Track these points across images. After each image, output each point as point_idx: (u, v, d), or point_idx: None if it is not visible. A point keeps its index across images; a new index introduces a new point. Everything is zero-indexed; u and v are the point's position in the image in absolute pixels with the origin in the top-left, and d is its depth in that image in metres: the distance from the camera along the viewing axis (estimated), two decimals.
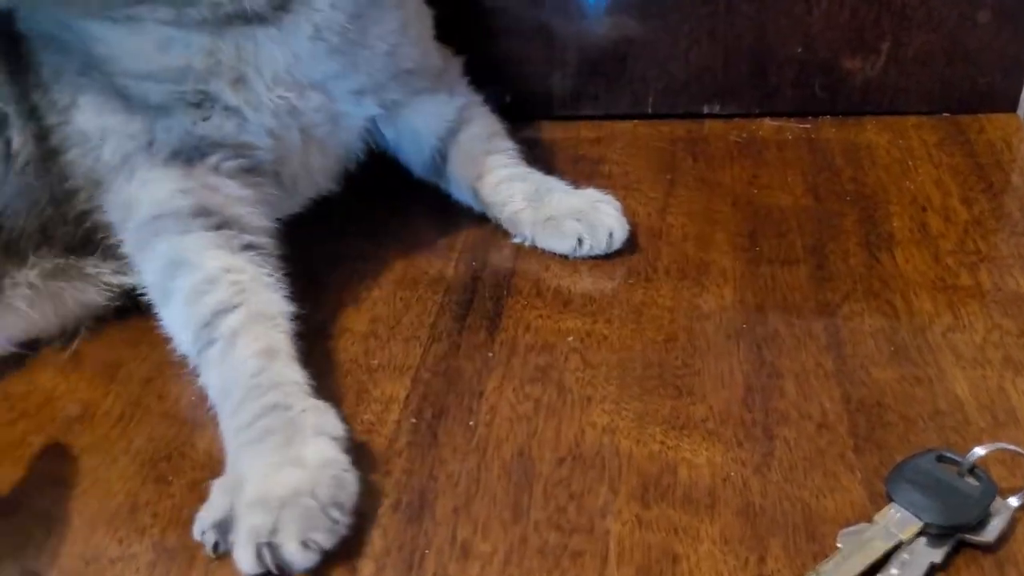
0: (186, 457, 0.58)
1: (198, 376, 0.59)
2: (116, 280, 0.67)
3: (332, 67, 0.67)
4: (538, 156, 0.83)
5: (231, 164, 0.65)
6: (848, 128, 0.90)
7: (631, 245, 0.74)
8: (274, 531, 0.48)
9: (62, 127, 0.65)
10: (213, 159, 0.65)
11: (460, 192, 0.79)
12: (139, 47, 0.62)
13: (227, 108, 0.64)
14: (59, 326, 0.67)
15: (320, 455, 0.51)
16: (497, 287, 0.72)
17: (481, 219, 0.78)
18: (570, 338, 0.66)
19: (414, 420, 0.60)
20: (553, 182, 0.76)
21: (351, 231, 0.78)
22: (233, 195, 0.64)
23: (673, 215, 0.79)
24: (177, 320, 0.61)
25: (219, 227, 0.62)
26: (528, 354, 0.65)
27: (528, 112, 0.92)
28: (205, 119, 0.64)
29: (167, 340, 0.64)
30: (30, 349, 0.67)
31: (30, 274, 0.65)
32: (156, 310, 0.63)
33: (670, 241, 0.76)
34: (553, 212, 0.73)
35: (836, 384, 0.60)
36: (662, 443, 0.57)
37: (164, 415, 0.61)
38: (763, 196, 0.81)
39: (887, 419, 0.58)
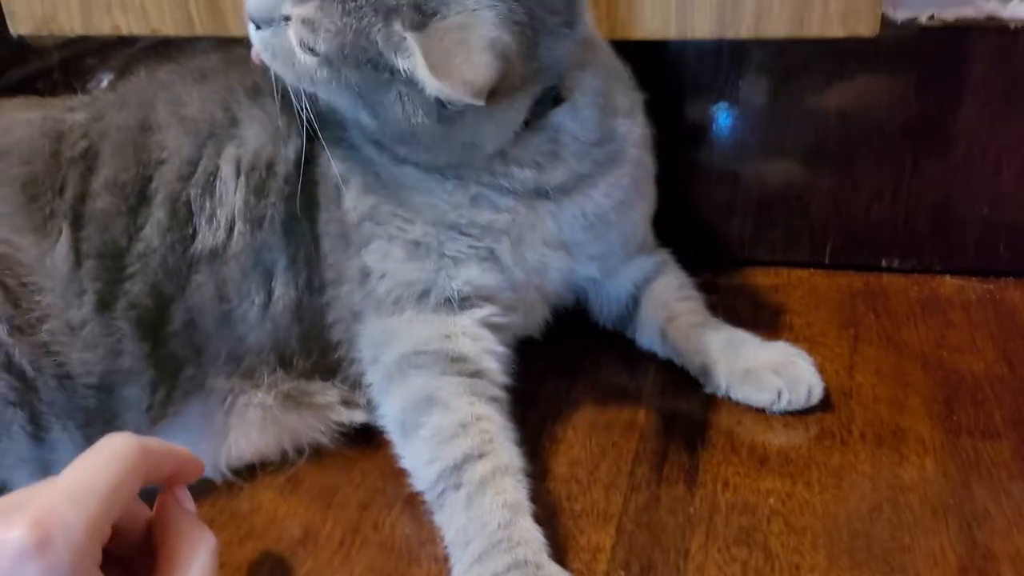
0: None
1: (433, 513, 0.62)
2: (344, 418, 0.71)
3: (584, 237, 0.73)
4: (717, 302, 0.84)
5: (494, 318, 0.70)
6: None
7: (822, 403, 0.75)
8: None
9: (339, 265, 0.70)
10: (480, 312, 0.69)
11: (647, 337, 0.82)
12: (457, 200, 0.68)
13: (501, 264, 0.70)
14: (280, 452, 0.71)
15: None
16: (691, 438, 0.73)
17: (666, 365, 0.80)
18: (771, 499, 0.67)
19: (623, 574, 0.61)
20: (744, 334, 0.78)
21: (547, 372, 0.80)
22: (488, 347, 0.69)
23: (861, 374, 0.79)
24: (421, 456, 0.63)
25: (473, 375, 0.66)
26: (730, 513, 0.66)
27: (703, 255, 0.94)
28: (485, 271, 0.69)
29: (379, 468, 0.68)
30: (248, 471, 0.71)
31: (266, 397, 0.69)
32: (395, 441, 0.67)
33: (862, 402, 0.76)
34: (751, 365, 0.75)
35: None
36: None
37: (381, 545, 0.64)
38: (953, 360, 0.80)
39: None
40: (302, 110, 0.64)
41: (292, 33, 0.59)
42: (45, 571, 0.41)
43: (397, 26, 0.56)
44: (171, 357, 0.68)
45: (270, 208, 0.70)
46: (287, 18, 0.59)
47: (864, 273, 0.94)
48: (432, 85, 0.55)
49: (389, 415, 0.67)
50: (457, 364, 0.66)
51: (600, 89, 0.68)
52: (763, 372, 0.74)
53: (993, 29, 0.84)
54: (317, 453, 0.72)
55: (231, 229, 0.69)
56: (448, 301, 0.68)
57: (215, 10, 0.86)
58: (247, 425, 0.69)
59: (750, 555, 0.62)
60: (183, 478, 0.54)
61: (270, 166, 0.70)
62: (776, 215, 0.95)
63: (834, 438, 0.72)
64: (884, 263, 0.95)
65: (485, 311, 0.70)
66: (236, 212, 0.69)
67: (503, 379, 0.69)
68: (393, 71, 0.58)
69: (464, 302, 0.69)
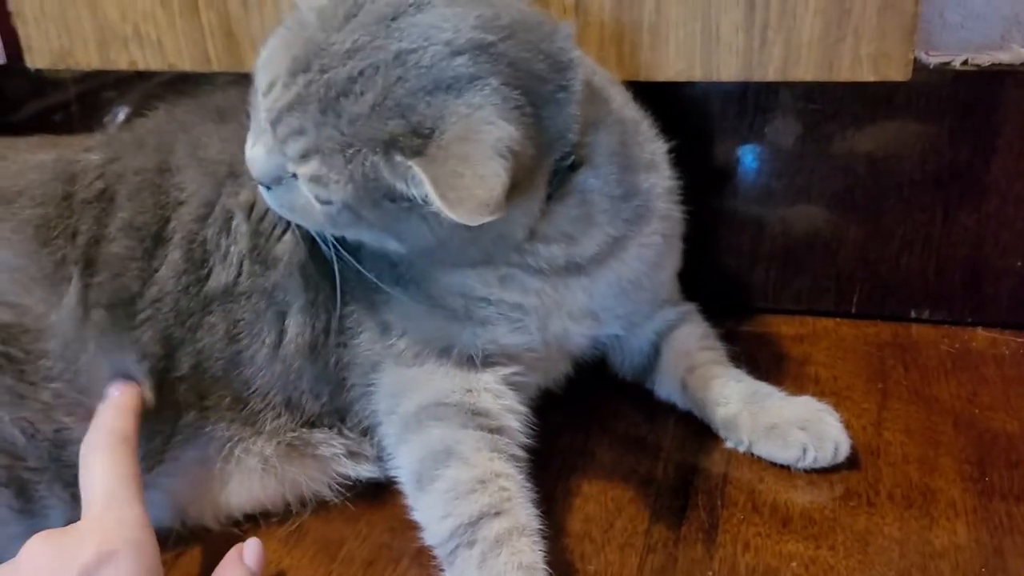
0: None
1: (443, 570, 0.59)
2: (350, 472, 0.69)
3: (614, 303, 0.71)
4: (740, 352, 0.82)
5: (517, 377, 0.68)
6: None
7: (849, 461, 0.72)
8: None
9: (359, 315, 0.68)
10: (503, 370, 0.67)
11: (667, 388, 0.79)
12: (487, 279, 0.66)
13: (528, 328, 0.68)
14: (283, 504, 0.69)
15: None
16: (710, 495, 0.70)
17: (686, 418, 0.78)
18: (793, 563, 0.64)
19: None
20: (768, 387, 0.75)
21: (563, 424, 0.78)
22: (510, 406, 0.67)
23: (890, 431, 0.76)
24: (435, 510, 0.61)
25: (494, 431, 0.64)
26: None
27: (727, 303, 0.92)
28: (511, 333, 0.68)
29: (386, 522, 0.66)
30: (250, 520, 0.69)
31: (266, 447, 0.67)
32: (408, 494, 0.64)
33: (890, 461, 0.73)
34: (776, 420, 0.72)
35: None
36: None
37: None
38: (987, 419, 0.77)
39: None
40: (329, 248, 0.63)
41: (305, 190, 0.58)
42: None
43: (399, 158, 0.54)
44: (173, 404, 0.66)
45: (284, 249, 0.68)
46: (293, 175, 0.59)
47: (893, 324, 0.91)
48: (448, 214, 0.53)
49: (404, 466, 0.65)
50: (478, 418, 0.64)
51: (617, 145, 0.66)
52: (788, 428, 0.72)
53: None
54: (323, 505, 0.70)
55: (241, 267, 0.67)
56: (471, 358, 0.67)
57: (232, 46, 0.86)
58: (246, 474, 0.67)
59: None
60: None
61: None
62: (802, 263, 0.92)
63: (861, 499, 0.69)
64: (914, 314, 0.92)
65: (508, 369, 0.68)
66: (247, 252, 0.67)
67: (523, 438, 0.67)
68: (410, 199, 0.56)
69: (487, 359, 0.67)
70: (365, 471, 0.69)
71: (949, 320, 0.91)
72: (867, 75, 0.78)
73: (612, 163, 0.65)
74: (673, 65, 0.80)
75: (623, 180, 0.66)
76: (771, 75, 0.79)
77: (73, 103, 0.98)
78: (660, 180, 0.70)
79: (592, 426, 0.78)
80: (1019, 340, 0.88)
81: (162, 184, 0.69)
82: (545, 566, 0.58)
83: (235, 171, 0.69)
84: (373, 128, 0.55)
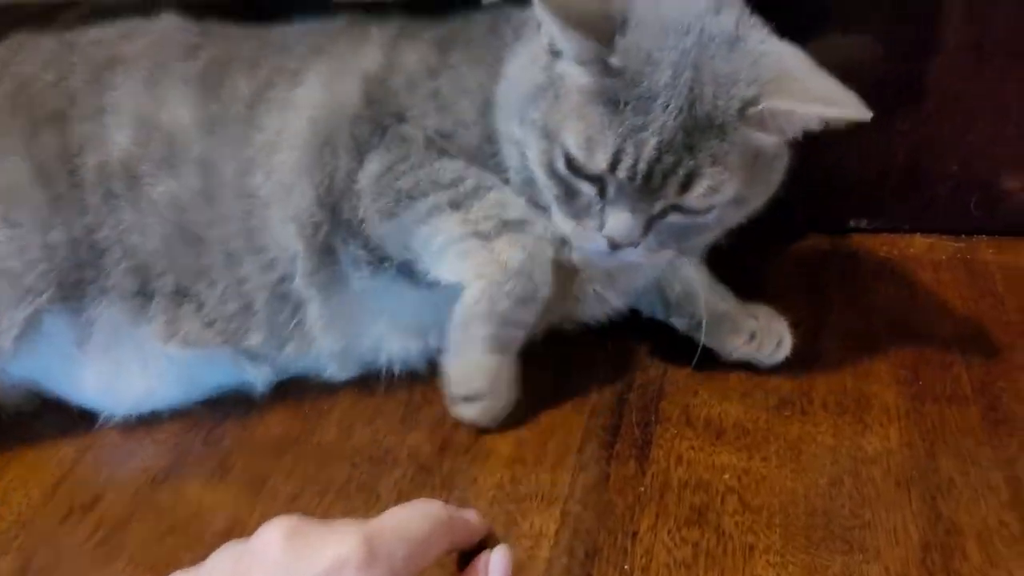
0: None
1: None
2: None
3: None
4: None
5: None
6: (1006, 250, 0.86)
7: (785, 370, 0.71)
8: None
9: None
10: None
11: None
12: None
13: None
14: None
15: None
16: (644, 411, 0.69)
17: (622, 337, 0.76)
18: (726, 475, 0.63)
19: (565, 560, 0.57)
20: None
21: None
22: None
23: (827, 339, 0.76)
24: None
25: None
26: (682, 491, 0.62)
27: None
28: None
29: (312, 454, 0.64)
30: (176, 456, 0.67)
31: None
32: None
33: (825, 369, 0.72)
34: (729, 308, 0.73)
35: None
36: None
37: None
38: (921, 323, 0.77)
39: None
40: None
41: (692, 209, 0.59)
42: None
43: (754, 109, 0.57)
44: None
45: None
46: (668, 209, 0.60)
47: (832, 236, 0.90)
48: (850, 107, 0.58)
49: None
50: None
51: None
52: (740, 314, 0.72)
53: None
54: (250, 432, 0.68)
55: None
56: None
57: None
58: None
59: (702, 536, 0.58)
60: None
61: None
62: None
63: (794, 407, 0.69)
64: (852, 224, 0.91)
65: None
66: None
67: None
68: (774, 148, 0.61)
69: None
70: None
71: (888, 228, 0.90)
72: None
73: None
74: None
75: None
76: None
77: None
78: None
79: (525, 351, 0.76)
80: (956, 244, 0.88)
81: None
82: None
83: None
84: (725, 109, 0.57)
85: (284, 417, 0.70)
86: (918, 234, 0.89)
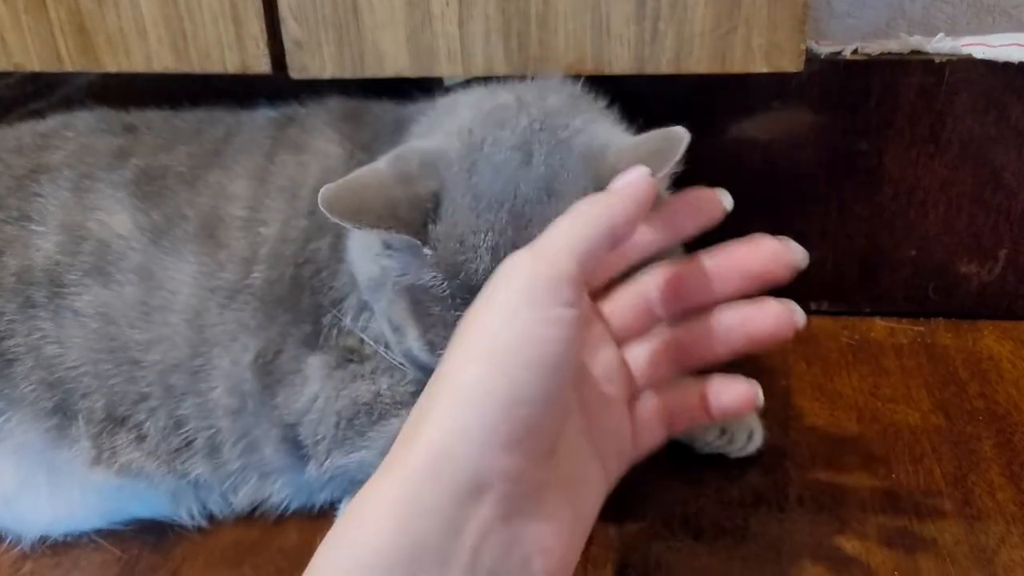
0: None
1: None
2: None
3: None
4: None
5: None
6: (964, 333, 0.87)
7: (758, 464, 0.70)
8: None
9: None
10: None
11: None
12: None
13: None
14: None
15: None
16: (617, 511, 0.67)
17: None
18: None
19: None
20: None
21: None
22: None
23: (796, 430, 0.75)
24: None
25: None
26: None
27: None
28: None
29: (276, 561, 0.60)
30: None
31: None
32: None
33: (798, 462, 0.71)
34: None
35: None
36: None
37: None
38: (890, 412, 0.77)
39: None
40: None
41: None
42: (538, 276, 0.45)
43: None
44: None
45: None
46: None
47: None
48: None
49: None
50: None
51: None
52: None
53: (918, 63, 0.81)
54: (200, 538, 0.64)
55: None
56: None
57: (85, 44, 0.78)
58: None
59: None
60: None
61: None
62: None
63: (771, 505, 0.67)
64: (813, 307, 0.91)
65: None
66: None
67: None
68: None
69: None
70: None
71: (847, 311, 0.90)
72: (760, 66, 0.75)
73: None
74: (564, 58, 0.76)
75: None
76: (664, 67, 0.76)
77: None
78: None
79: None
80: (916, 329, 0.88)
81: None
82: None
83: None
84: None
85: (238, 522, 0.66)
86: (878, 318, 0.90)
